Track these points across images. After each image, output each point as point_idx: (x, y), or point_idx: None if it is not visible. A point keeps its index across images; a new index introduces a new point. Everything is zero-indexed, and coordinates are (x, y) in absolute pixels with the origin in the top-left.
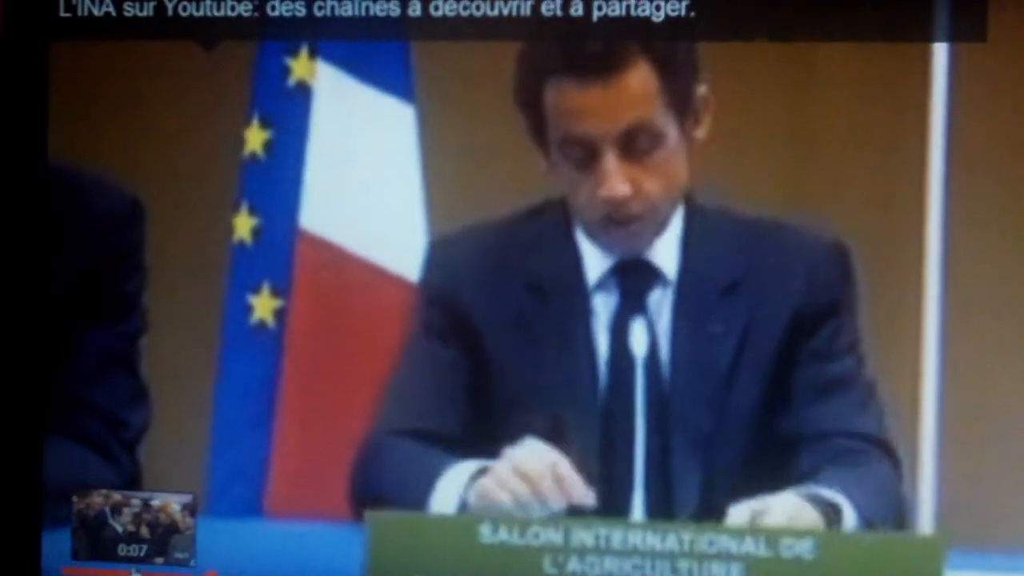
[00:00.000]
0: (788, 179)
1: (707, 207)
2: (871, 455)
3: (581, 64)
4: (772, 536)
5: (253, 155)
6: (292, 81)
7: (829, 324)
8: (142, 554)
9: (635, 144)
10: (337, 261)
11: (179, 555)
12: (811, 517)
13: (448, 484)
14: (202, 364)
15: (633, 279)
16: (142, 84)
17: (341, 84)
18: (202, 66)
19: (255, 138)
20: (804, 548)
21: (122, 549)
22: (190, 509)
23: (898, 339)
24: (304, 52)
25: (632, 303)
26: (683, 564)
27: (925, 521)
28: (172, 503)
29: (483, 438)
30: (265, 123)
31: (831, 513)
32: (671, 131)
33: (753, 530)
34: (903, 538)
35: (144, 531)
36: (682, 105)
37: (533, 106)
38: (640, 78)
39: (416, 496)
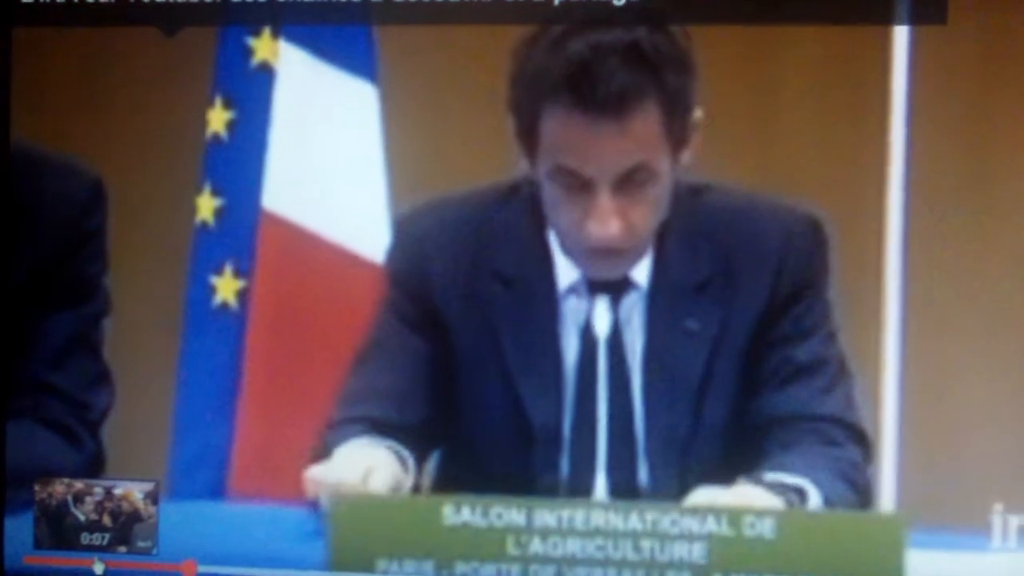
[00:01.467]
0: (752, 161)
1: (678, 200)
2: (839, 438)
3: (589, 102)
4: (734, 515)
5: (216, 136)
6: (255, 62)
7: (800, 304)
8: (105, 543)
9: (631, 182)
10: (300, 242)
11: (142, 543)
12: (772, 505)
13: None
14: (164, 346)
15: (606, 287)
16: (104, 67)
17: (304, 64)
18: (164, 47)
19: (218, 119)
20: (766, 527)
21: (85, 538)
22: (152, 497)
23: (860, 322)
24: (266, 33)
25: (603, 305)
26: (646, 544)
27: (886, 500)
28: (134, 491)
29: (441, 429)
30: (228, 104)
31: (795, 499)
32: (665, 166)
33: (716, 509)
34: (865, 517)
35: (107, 519)
36: (680, 138)
37: (528, 122)
38: (645, 121)
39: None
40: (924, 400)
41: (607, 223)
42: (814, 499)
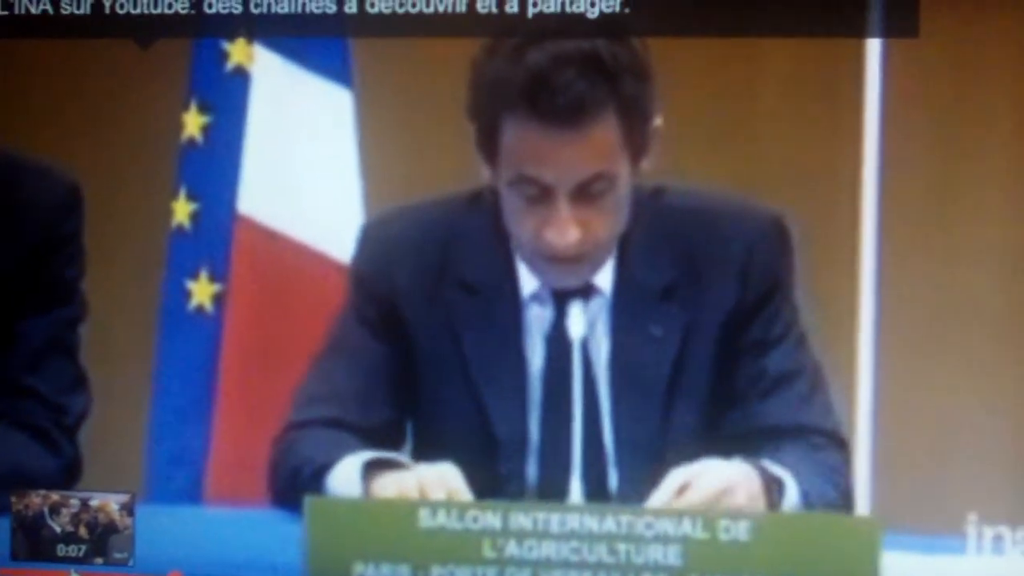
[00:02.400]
0: (726, 172)
1: (636, 201)
2: (821, 443)
3: (548, 111)
4: (709, 519)
5: (191, 140)
6: (230, 66)
7: (769, 307)
8: (81, 554)
9: (589, 190)
10: (275, 246)
11: (118, 555)
12: (751, 483)
13: (346, 469)
14: (141, 350)
15: (568, 293)
16: (80, 72)
17: (279, 69)
18: (140, 52)
19: (193, 123)
20: (741, 530)
21: (61, 550)
22: (128, 508)
23: (834, 330)
24: (242, 37)
25: (568, 317)
26: (621, 547)
27: (861, 503)
28: (111, 503)
29: (403, 432)
30: (203, 108)
31: (774, 487)
32: (624, 173)
33: (691, 512)
34: (840, 520)
35: (83, 531)
36: (639, 146)
37: (488, 131)
38: (604, 130)
39: (314, 478)
40: (898, 406)
41: (565, 232)
42: (791, 493)
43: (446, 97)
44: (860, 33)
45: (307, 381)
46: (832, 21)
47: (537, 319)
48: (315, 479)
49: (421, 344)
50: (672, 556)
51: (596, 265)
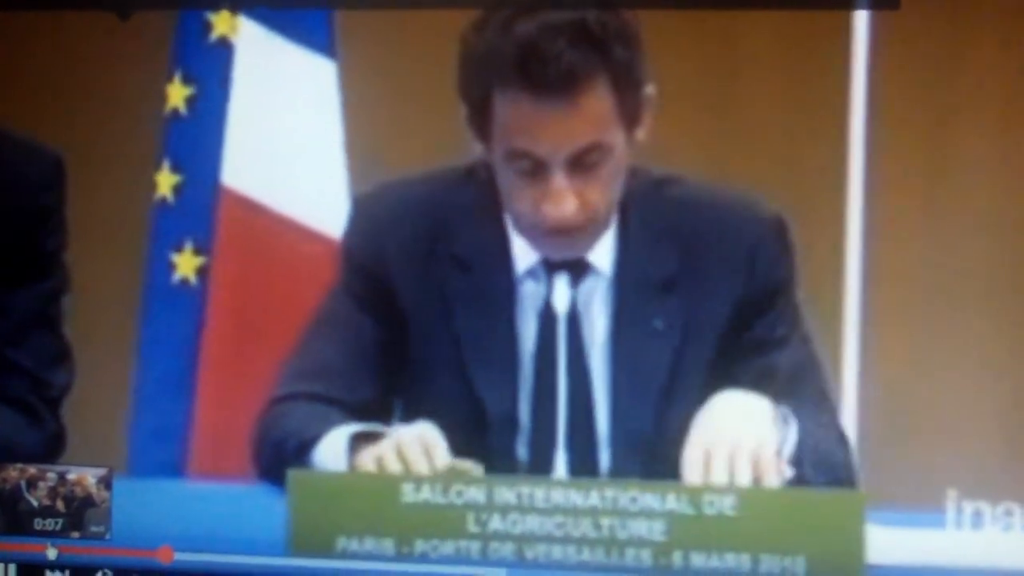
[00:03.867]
0: (712, 149)
1: (641, 188)
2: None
3: (539, 82)
4: (694, 493)
5: (175, 112)
6: (214, 37)
7: (772, 309)
8: (58, 528)
9: (585, 160)
10: (259, 218)
11: (95, 528)
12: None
13: (332, 443)
14: (124, 323)
15: (564, 271)
16: (61, 44)
17: (263, 40)
18: (124, 23)
19: (177, 94)
20: (726, 504)
21: (38, 523)
22: (105, 482)
23: (819, 308)
24: (225, 8)
25: (562, 287)
26: (605, 521)
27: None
28: (88, 476)
29: (391, 409)
30: (187, 79)
31: (781, 422)
32: (619, 142)
33: (675, 488)
34: (825, 494)
35: (60, 505)
36: (632, 115)
37: (479, 106)
38: (597, 98)
39: (299, 452)
40: (882, 382)
41: (563, 203)
42: (791, 436)
43: (432, 68)
44: (842, 5)
45: (295, 355)
46: None
47: (531, 295)
48: (300, 453)
49: (412, 319)
50: (657, 531)
51: (594, 236)
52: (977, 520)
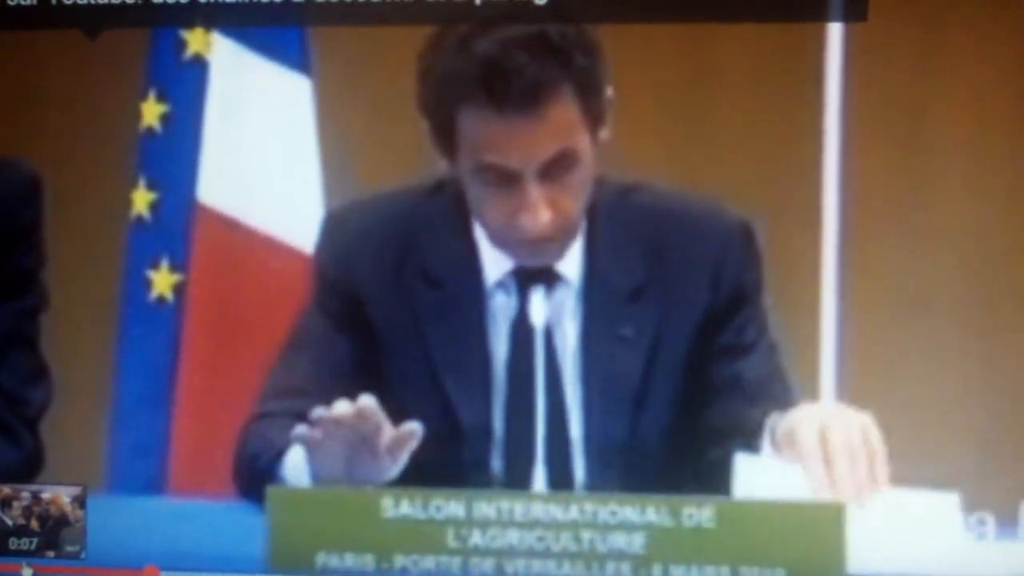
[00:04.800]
0: (685, 158)
1: (607, 196)
2: None
3: (505, 98)
4: (673, 505)
5: (150, 129)
6: (188, 54)
7: (740, 314)
8: (33, 547)
9: (555, 169)
10: (235, 235)
11: (70, 548)
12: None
13: (294, 454)
14: (101, 341)
15: (533, 280)
16: (35, 62)
17: (237, 57)
18: (98, 41)
19: (151, 112)
20: (705, 516)
21: (12, 543)
22: (80, 501)
23: (795, 311)
24: (199, 26)
25: (532, 305)
26: (585, 535)
27: None
28: (62, 495)
29: None
30: (161, 97)
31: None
32: (586, 147)
33: (654, 500)
34: (804, 505)
35: (34, 524)
36: (596, 118)
37: (444, 124)
38: (563, 107)
39: (269, 466)
40: (859, 393)
41: (538, 214)
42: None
43: (407, 84)
44: (810, 17)
45: (271, 374)
46: (785, 5)
47: (502, 308)
48: (270, 468)
49: (384, 335)
50: (636, 543)
51: (566, 243)
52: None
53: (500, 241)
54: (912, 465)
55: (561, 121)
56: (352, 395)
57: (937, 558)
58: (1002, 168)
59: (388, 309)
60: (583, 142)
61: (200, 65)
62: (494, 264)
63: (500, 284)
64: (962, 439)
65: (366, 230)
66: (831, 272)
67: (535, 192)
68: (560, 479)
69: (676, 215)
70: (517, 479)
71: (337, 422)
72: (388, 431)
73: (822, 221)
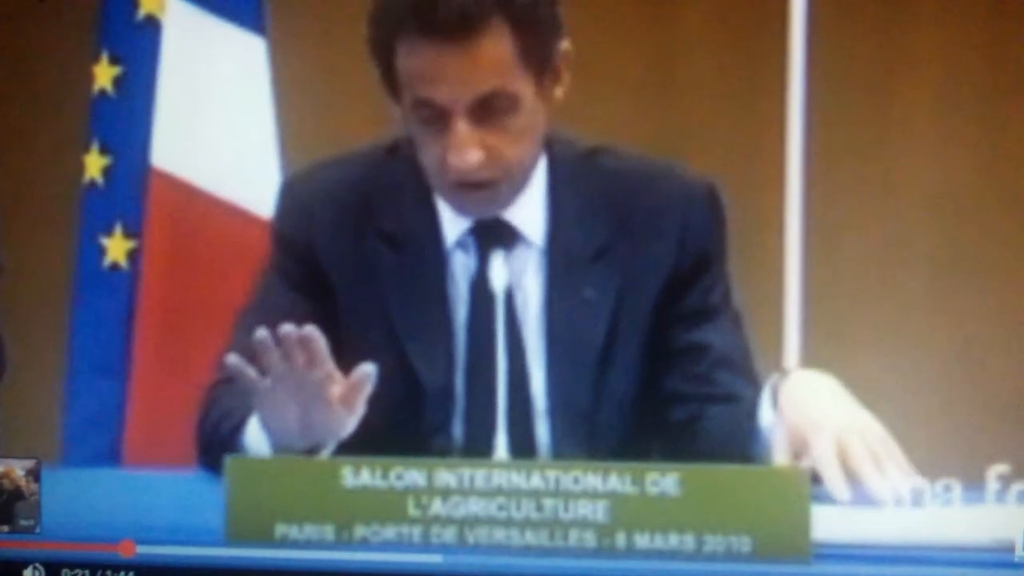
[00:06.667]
0: (650, 124)
1: (570, 157)
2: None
3: (433, 27)
4: (637, 473)
5: (103, 92)
6: (141, 15)
7: (705, 277)
8: None
9: (489, 109)
10: (189, 199)
11: (24, 522)
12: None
13: (253, 425)
14: (54, 309)
15: (492, 240)
16: None
17: (191, 17)
18: (47, 1)
19: (104, 74)
20: (669, 484)
21: None
22: (34, 474)
23: (760, 280)
24: None
25: (492, 265)
26: (548, 503)
27: None
28: (15, 468)
29: None
30: (114, 59)
31: None
32: (528, 93)
33: (618, 468)
34: (769, 471)
35: None
36: (541, 65)
37: (385, 61)
38: (495, 43)
39: (231, 437)
40: (825, 347)
41: (465, 152)
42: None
43: (361, 44)
44: None
45: (231, 338)
46: None
47: (461, 268)
48: (232, 437)
49: (344, 298)
50: (600, 512)
51: (511, 193)
52: (917, 496)
53: (438, 187)
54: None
55: (493, 57)
56: None
57: (902, 525)
58: (968, 126)
59: (347, 270)
60: (523, 87)
61: (153, 26)
62: (452, 223)
63: (460, 244)
64: (927, 403)
65: (323, 193)
66: (795, 245)
67: (463, 129)
68: (522, 441)
69: (641, 177)
70: (479, 444)
71: (280, 343)
72: (339, 379)
73: (787, 197)
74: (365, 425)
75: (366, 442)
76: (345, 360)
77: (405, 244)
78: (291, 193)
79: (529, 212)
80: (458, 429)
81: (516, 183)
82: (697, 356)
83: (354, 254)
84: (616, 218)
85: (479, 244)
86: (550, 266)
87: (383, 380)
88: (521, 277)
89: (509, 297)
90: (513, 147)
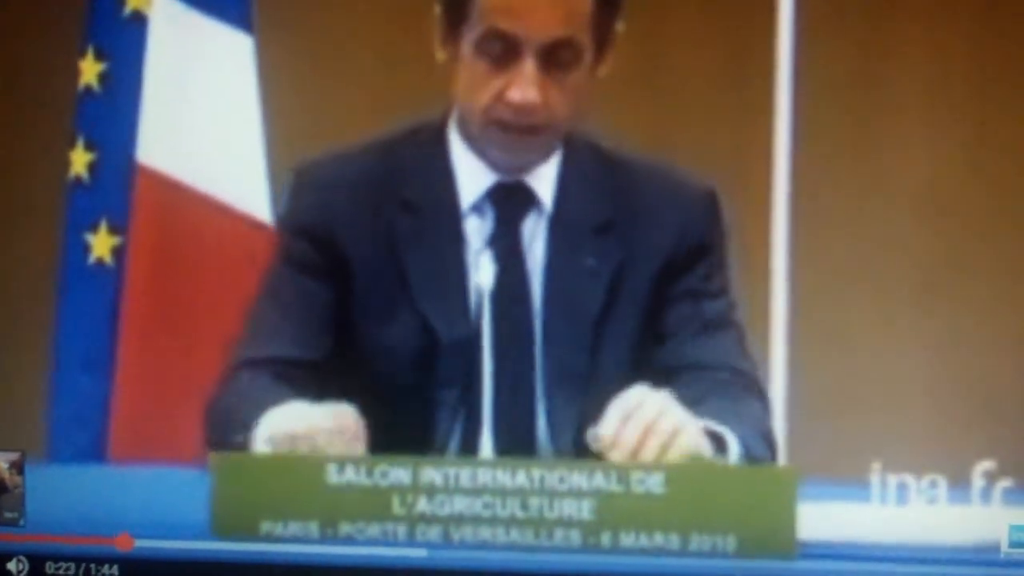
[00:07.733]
0: (637, 123)
1: (582, 141)
2: (748, 392)
3: None
4: (623, 471)
5: (88, 88)
6: (127, 10)
7: (703, 264)
8: None
9: (556, 58)
10: (175, 195)
11: (8, 515)
12: (695, 425)
13: (267, 421)
14: (40, 305)
15: (509, 204)
16: None
17: (177, 13)
18: None
19: (90, 70)
20: (655, 482)
21: None
22: (18, 467)
23: (747, 272)
24: None
25: (506, 229)
26: (534, 501)
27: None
28: None
29: (347, 363)
30: (100, 55)
31: (717, 445)
32: (588, 56)
33: (603, 466)
34: (755, 471)
35: None
36: (604, 33)
37: None
38: None
39: (241, 431)
40: (810, 357)
41: (529, 88)
42: (733, 448)
43: (350, 42)
44: None
45: (245, 326)
46: None
47: (476, 232)
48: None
49: (358, 266)
50: (586, 510)
51: (543, 153)
52: (902, 494)
53: (482, 128)
54: (863, 428)
55: (576, 8)
56: (331, 336)
57: (888, 523)
58: (956, 126)
59: (365, 242)
60: (587, 46)
61: (140, 22)
62: (469, 186)
63: (475, 207)
64: (914, 400)
65: (343, 174)
66: (782, 242)
67: (531, 68)
68: (521, 412)
69: (647, 171)
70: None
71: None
72: (360, 447)
73: (774, 194)
74: (381, 378)
75: (379, 395)
76: (363, 331)
77: (422, 208)
78: (305, 178)
79: (545, 181)
80: (467, 382)
81: (552, 142)
82: (685, 327)
83: (372, 224)
84: (622, 197)
85: (496, 207)
86: (556, 232)
87: (400, 339)
88: (532, 241)
89: (520, 261)
90: (563, 103)
